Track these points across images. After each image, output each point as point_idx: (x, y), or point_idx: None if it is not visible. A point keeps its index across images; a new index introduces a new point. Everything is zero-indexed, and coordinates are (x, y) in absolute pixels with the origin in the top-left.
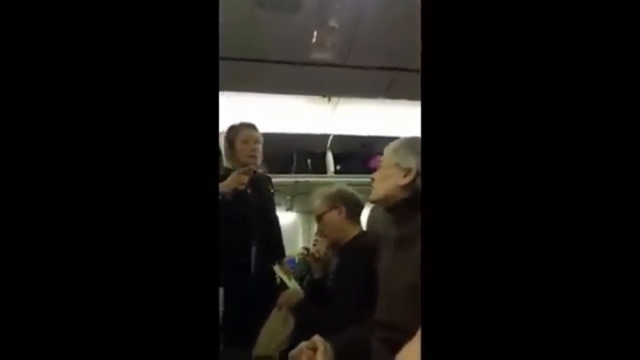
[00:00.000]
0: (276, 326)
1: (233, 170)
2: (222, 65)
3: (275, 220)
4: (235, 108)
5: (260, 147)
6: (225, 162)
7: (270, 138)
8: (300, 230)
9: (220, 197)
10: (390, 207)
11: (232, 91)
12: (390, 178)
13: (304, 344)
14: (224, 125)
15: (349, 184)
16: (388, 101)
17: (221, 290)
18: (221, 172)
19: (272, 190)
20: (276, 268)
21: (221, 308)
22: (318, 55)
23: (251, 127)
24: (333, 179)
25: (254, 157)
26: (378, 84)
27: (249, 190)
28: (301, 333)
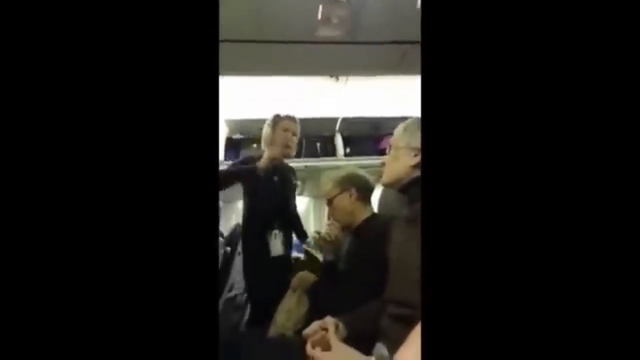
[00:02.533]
0: (291, 307)
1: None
2: (225, 48)
3: (295, 208)
4: (239, 92)
5: (296, 139)
6: (262, 145)
7: None
8: (312, 214)
9: (256, 171)
10: (401, 188)
11: (235, 74)
12: (400, 159)
13: (316, 324)
14: (230, 110)
15: (360, 166)
16: (400, 78)
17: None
18: (255, 153)
19: (295, 182)
20: (304, 245)
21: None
22: (324, 32)
23: (293, 119)
24: (343, 162)
25: (290, 147)
26: (389, 60)
27: (275, 178)
28: (315, 313)
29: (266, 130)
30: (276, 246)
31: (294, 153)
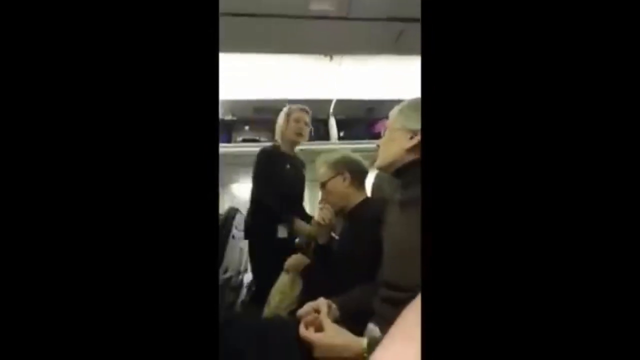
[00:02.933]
0: (285, 288)
1: (279, 146)
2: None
3: (302, 195)
4: (230, 70)
5: (307, 129)
6: (276, 135)
7: (268, 105)
8: (306, 198)
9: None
10: (396, 172)
11: (224, 51)
12: (395, 142)
13: (310, 305)
14: (221, 90)
15: (354, 150)
16: (396, 59)
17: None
18: (271, 143)
19: (304, 172)
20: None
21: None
22: (317, 6)
23: (305, 110)
24: (337, 146)
25: (301, 135)
26: (384, 38)
27: (288, 166)
28: (309, 294)
29: (280, 121)
30: (283, 230)
31: (305, 140)
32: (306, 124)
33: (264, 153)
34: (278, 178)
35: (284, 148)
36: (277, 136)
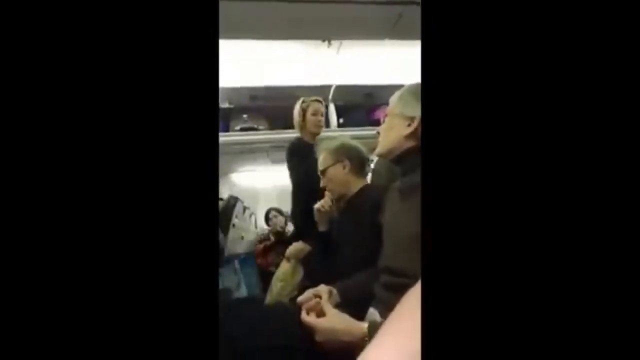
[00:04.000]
0: (286, 276)
1: (302, 138)
2: None
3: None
4: (226, 57)
5: (323, 118)
6: (296, 128)
7: (267, 92)
8: None
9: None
10: (395, 159)
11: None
12: (394, 128)
13: (310, 291)
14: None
15: (353, 137)
16: (395, 42)
17: None
18: (293, 137)
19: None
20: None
21: None
22: None
23: (319, 101)
24: (336, 133)
25: (319, 126)
26: (383, 22)
27: (315, 155)
28: (310, 281)
29: (295, 115)
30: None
31: (322, 130)
32: (322, 114)
33: (292, 146)
34: (308, 167)
35: (307, 139)
36: (296, 129)
